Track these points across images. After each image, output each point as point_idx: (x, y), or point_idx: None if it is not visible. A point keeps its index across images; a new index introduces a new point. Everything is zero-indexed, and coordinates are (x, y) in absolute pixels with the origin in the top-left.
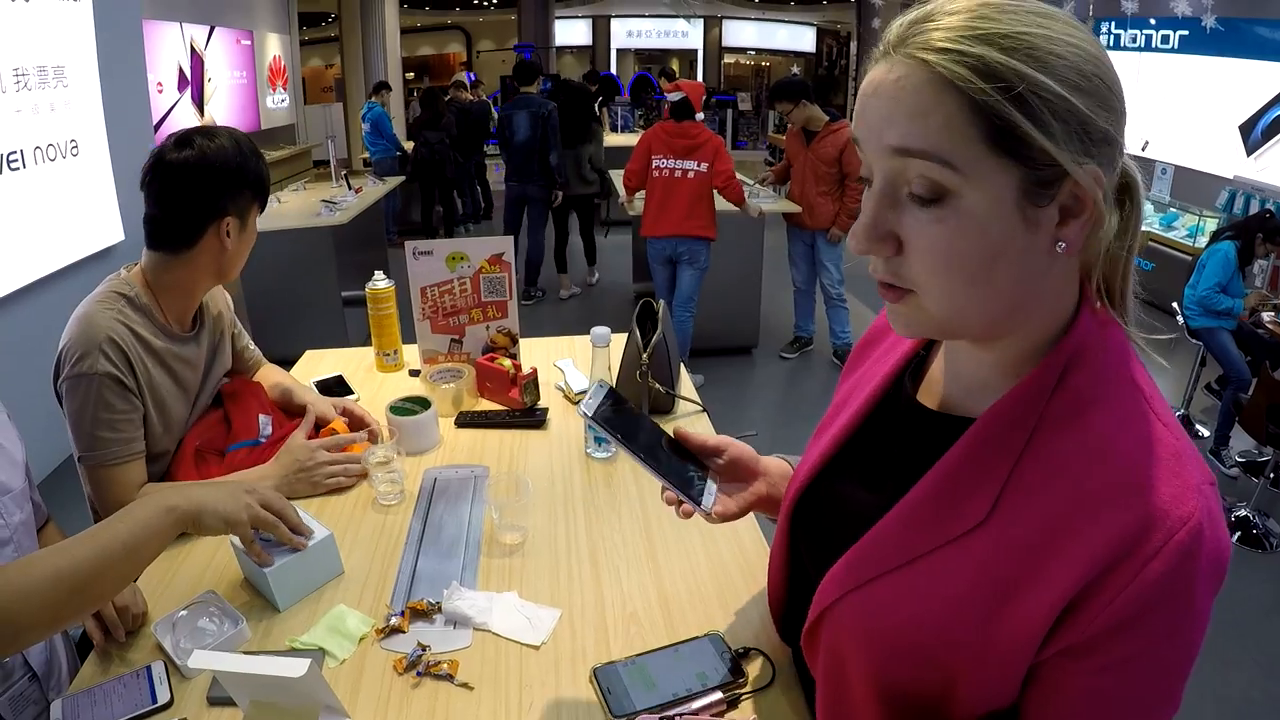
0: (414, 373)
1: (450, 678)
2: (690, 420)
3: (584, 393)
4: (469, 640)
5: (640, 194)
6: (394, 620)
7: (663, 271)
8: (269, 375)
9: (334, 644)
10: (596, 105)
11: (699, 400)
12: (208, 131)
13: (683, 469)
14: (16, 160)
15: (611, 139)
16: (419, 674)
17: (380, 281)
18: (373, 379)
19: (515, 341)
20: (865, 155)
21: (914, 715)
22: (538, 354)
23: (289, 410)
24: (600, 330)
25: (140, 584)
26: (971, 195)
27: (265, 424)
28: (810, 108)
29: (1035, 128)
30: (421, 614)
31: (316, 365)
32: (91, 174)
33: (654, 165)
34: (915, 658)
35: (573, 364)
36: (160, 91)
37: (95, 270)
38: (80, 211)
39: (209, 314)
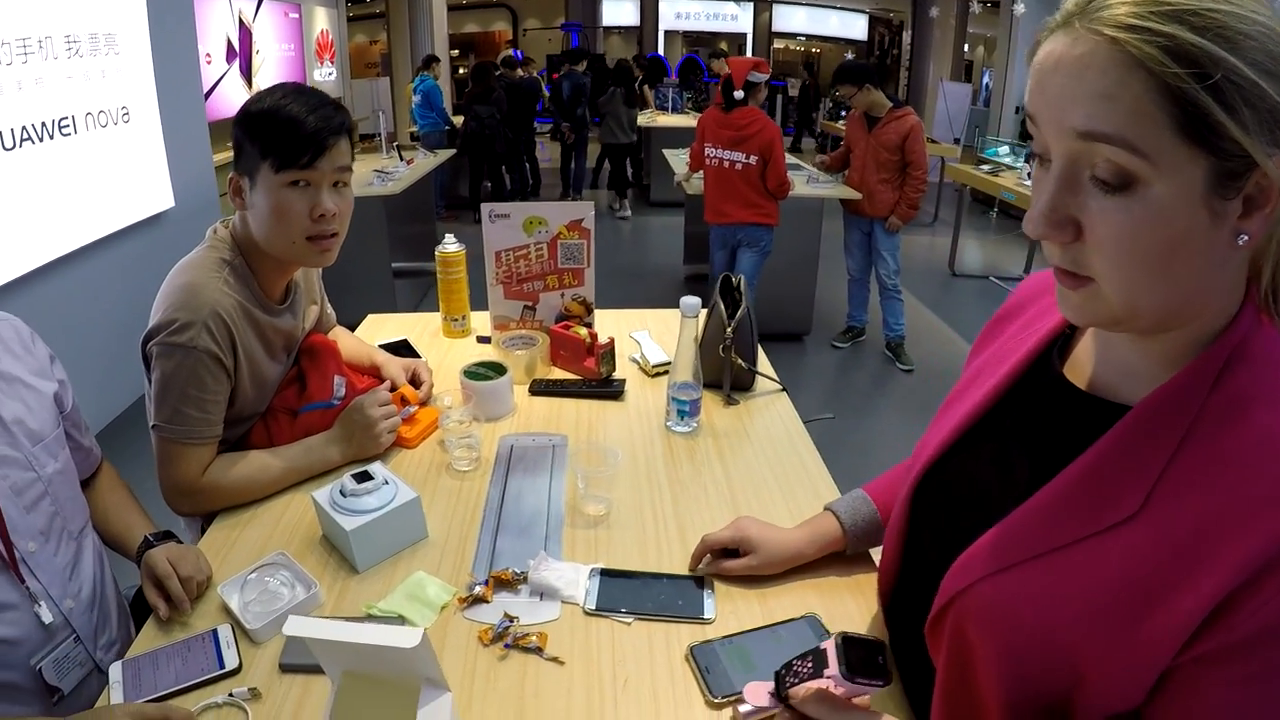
0: (482, 339)
1: (539, 651)
2: (769, 399)
3: (662, 365)
4: (557, 612)
5: (698, 176)
6: (478, 589)
7: (721, 256)
8: (340, 337)
9: (414, 612)
10: (638, 85)
11: (777, 378)
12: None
13: (678, 596)
14: (68, 126)
15: (661, 119)
16: (506, 646)
17: (450, 245)
18: (438, 344)
19: (590, 310)
20: (1041, 133)
21: (1038, 711)
22: (607, 324)
23: (357, 371)
24: (690, 300)
25: (204, 544)
26: (1160, 185)
27: (339, 386)
28: (874, 92)
29: (1229, 117)
30: (506, 584)
31: (379, 329)
32: (143, 141)
33: (706, 153)
34: (1049, 651)
35: (649, 336)
36: (209, 63)
37: (146, 236)
38: (131, 178)
39: (299, 284)
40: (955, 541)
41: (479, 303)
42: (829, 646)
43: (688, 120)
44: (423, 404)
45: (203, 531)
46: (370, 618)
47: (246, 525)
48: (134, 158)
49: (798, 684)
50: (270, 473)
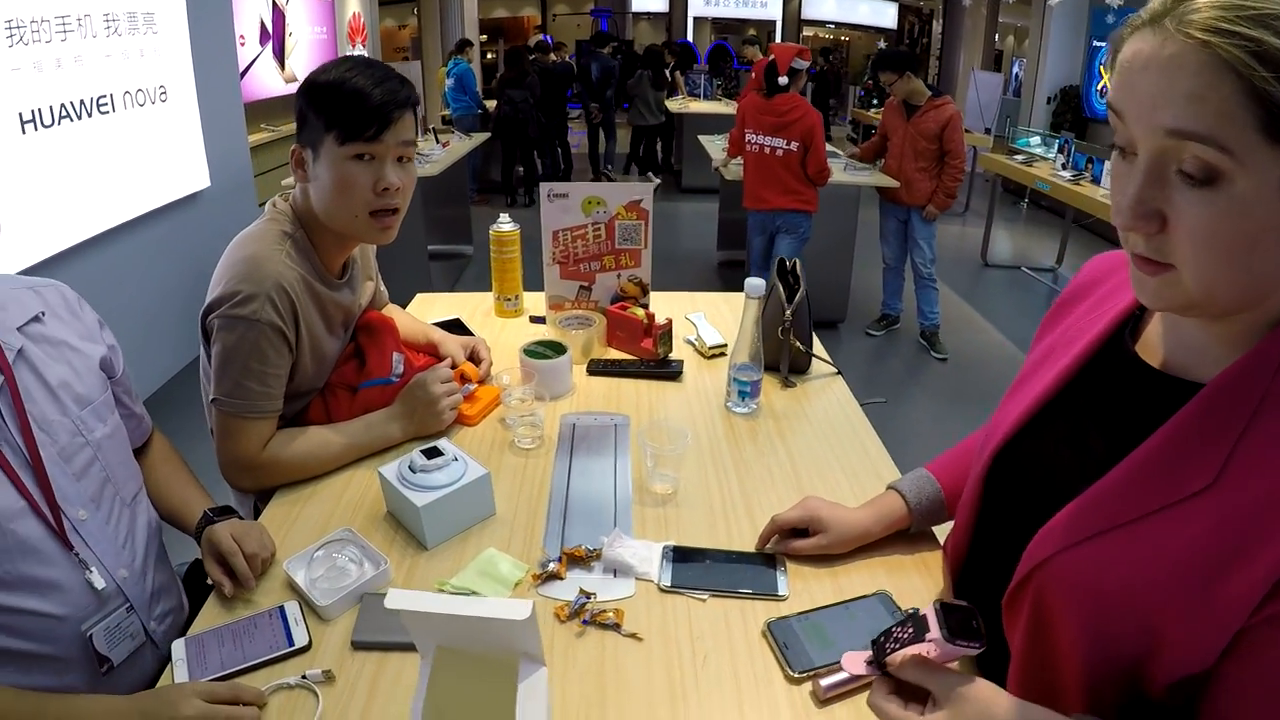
0: (536, 319)
1: (617, 627)
2: (824, 382)
3: (718, 347)
4: (633, 589)
5: (736, 162)
6: (551, 566)
7: (760, 241)
8: (395, 314)
9: (487, 589)
10: (669, 71)
11: (832, 361)
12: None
13: (751, 574)
14: (106, 104)
15: (694, 105)
16: (584, 622)
17: (505, 224)
18: (490, 324)
19: (646, 291)
20: (1127, 128)
21: (1115, 676)
22: (660, 306)
23: (413, 348)
24: (755, 281)
25: (265, 520)
26: (1243, 181)
27: (398, 362)
28: (914, 80)
29: None
30: (579, 561)
31: (430, 308)
32: (179, 120)
33: (746, 139)
34: (1130, 618)
35: (705, 318)
36: (243, 44)
37: (182, 215)
38: (168, 157)
39: (356, 259)
40: (1032, 517)
41: (526, 283)
42: (929, 613)
43: (720, 107)
44: (482, 382)
45: (255, 510)
46: (442, 593)
47: (308, 501)
48: (171, 137)
49: (898, 649)
50: (331, 449)
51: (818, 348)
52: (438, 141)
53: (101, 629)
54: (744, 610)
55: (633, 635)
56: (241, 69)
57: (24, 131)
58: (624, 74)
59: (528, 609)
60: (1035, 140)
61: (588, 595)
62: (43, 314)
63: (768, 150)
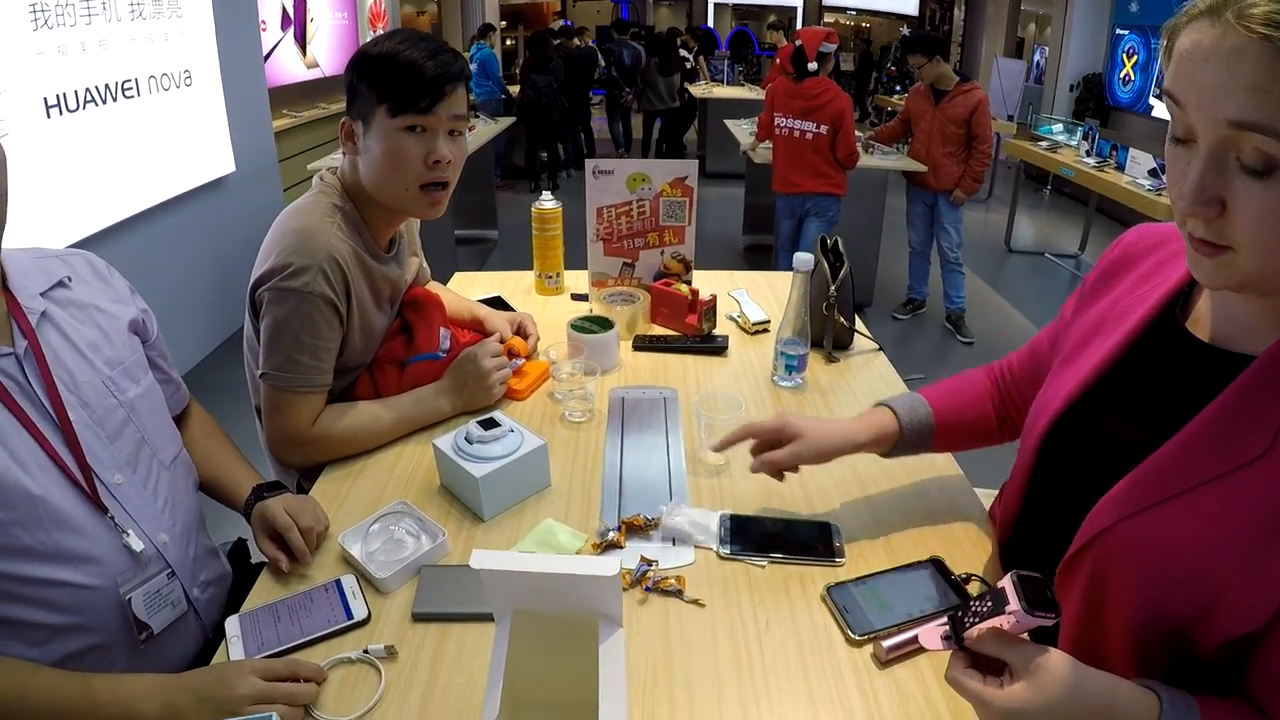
0: (578, 296)
1: (680, 593)
2: (866, 358)
3: (761, 324)
4: (692, 557)
5: (765, 146)
6: (611, 535)
7: (788, 225)
8: (439, 291)
9: None
10: (693, 55)
11: (873, 337)
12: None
13: (808, 540)
14: (131, 88)
15: (717, 90)
16: (647, 589)
17: (547, 202)
18: (531, 301)
19: (689, 268)
20: (1186, 117)
21: (1166, 638)
22: (702, 283)
23: (458, 324)
24: (804, 256)
25: (316, 494)
26: None
27: (445, 337)
28: (943, 65)
29: None
30: (638, 530)
31: (469, 286)
32: (204, 105)
33: (776, 122)
34: (1187, 583)
35: (747, 294)
36: (264, 30)
37: (207, 200)
38: (193, 141)
39: (402, 234)
40: (1086, 489)
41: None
42: (1006, 585)
43: (742, 92)
44: (529, 357)
45: (300, 488)
46: None
47: (359, 476)
48: (196, 121)
49: (976, 623)
50: (381, 423)
51: (858, 325)
52: None
53: (141, 594)
54: (802, 576)
55: (695, 601)
56: (264, 54)
57: (49, 116)
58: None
59: (615, 565)
60: (1058, 127)
61: (649, 563)
62: (69, 279)
63: (797, 134)
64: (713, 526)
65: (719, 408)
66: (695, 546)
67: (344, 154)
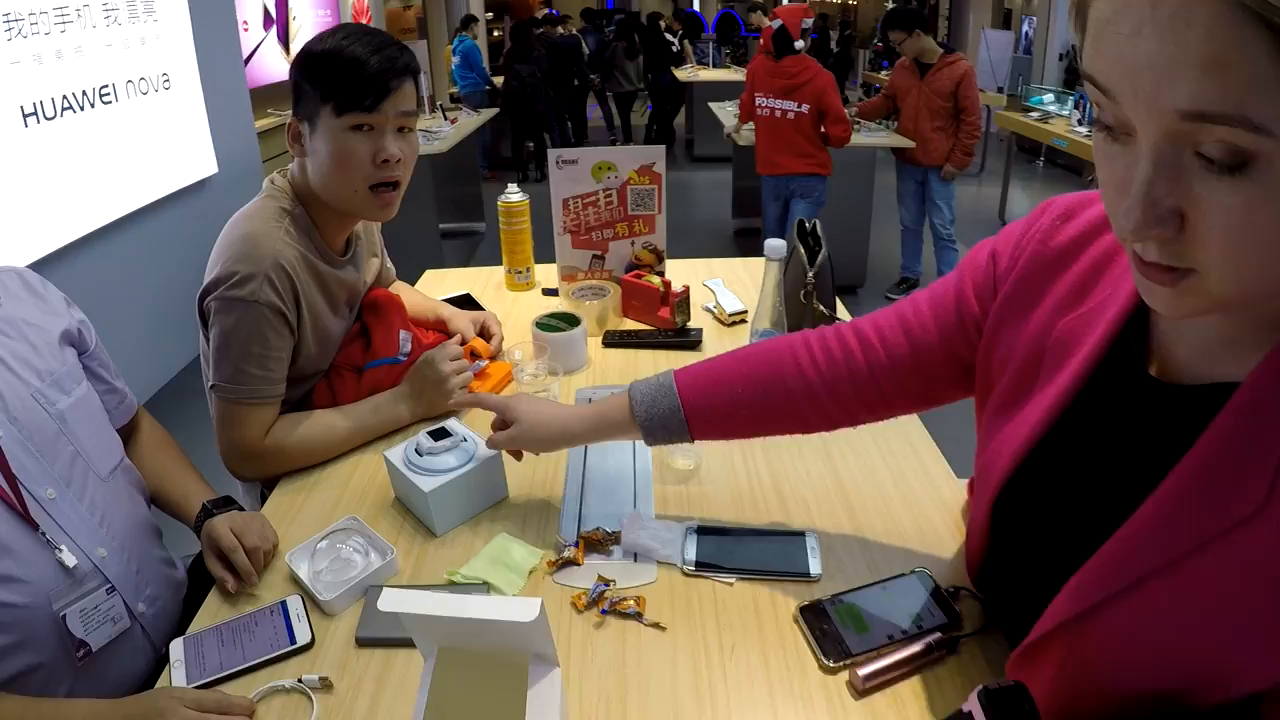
0: (548, 291)
1: (639, 616)
2: None
3: (738, 314)
4: (654, 575)
5: (749, 127)
6: (567, 552)
7: (774, 207)
8: (402, 291)
9: (500, 578)
10: (678, 39)
11: None
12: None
13: (781, 553)
14: (109, 93)
15: (703, 74)
16: (603, 612)
17: (514, 194)
18: (502, 298)
19: (661, 259)
20: (1117, 106)
21: (1162, 702)
22: (677, 273)
23: (421, 325)
24: (775, 243)
25: (268, 510)
26: None
27: (405, 340)
28: (924, 39)
29: None
30: (597, 545)
31: (439, 284)
32: (184, 107)
33: (756, 103)
34: (1190, 658)
35: (722, 284)
36: (246, 30)
37: (190, 202)
38: (173, 144)
39: (360, 236)
40: (1054, 556)
41: (537, 255)
42: (973, 707)
43: (729, 74)
44: (493, 358)
45: (263, 497)
46: (453, 585)
47: (313, 489)
48: (176, 124)
49: None
50: (337, 433)
51: (841, 312)
52: (446, 118)
53: (76, 610)
54: (773, 593)
55: (655, 625)
56: (246, 55)
57: (26, 125)
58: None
59: (535, 609)
60: (1049, 98)
61: (607, 582)
62: None
63: (778, 113)
64: (678, 540)
65: None
66: (658, 562)
67: (293, 156)
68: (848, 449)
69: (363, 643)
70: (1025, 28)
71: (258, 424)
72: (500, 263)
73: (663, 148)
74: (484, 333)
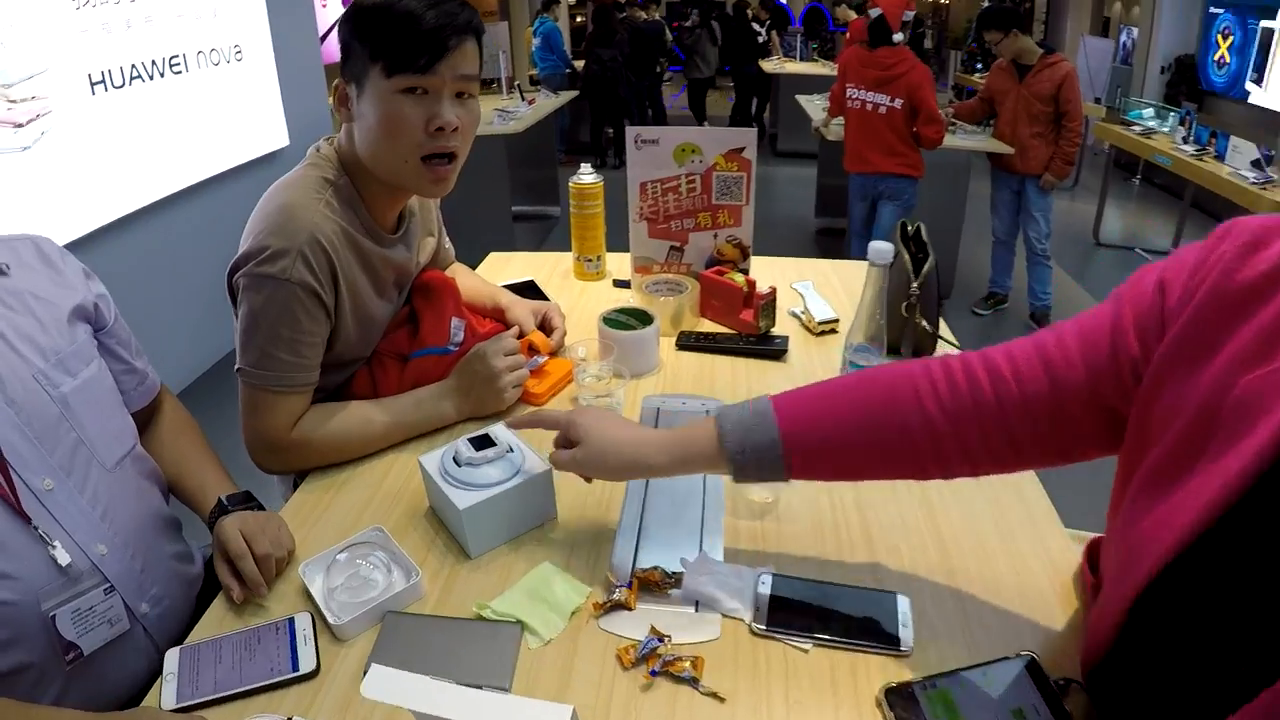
0: (620, 283)
1: (695, 682)
2: None
3: (828, 323)
4: (717, 631)
5: (838, 122)
6: (618, 593)
7: (861, 207)
8: (459, 274)
9: (538, 617)
10: (765, 29)
11: (959, 345)
12: None
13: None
14: (179, 63)
15: (790, 66)
16: (653, 673)
17: (587, 175)
18: (569, 287)
19: (746, 255)
20: None
21: None
22: (762, 273)
23: (477, 313)
24: (882, 246)
25: (287, 511)
26: None
27: (457, 329)
28: (1022, 38)
29: None
30: (653, 587)
31: (502, 269)
32: (256, 79)
33: (848, 94)
34: None
35: (813, 287)
36: (324, 7)
37: (260, 174)
38: (245, 116)
39: (414, 212)
40: (1204, 671)
41: (610, 244)
42: None
43: (816, 67)
44: (554, 354)
45: (295, 487)
46: (481, 619)
47: (340, 489)
48: (248, 96)
49: None
50: (372, 428)
51: (944, 330)
52: (524, 99)
53: (68, 611)
54: (855, 665)
55: (713, 695)
56: (322, 32)
57: (93, 92)
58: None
59: (566, 715)
60: (1149, 112)
61: (661, 637)
62: (6, 266)
63: (869, 106)
64: (748, 590)
65: None
66: (723, 615)
67: (339, 121)
68: (948, 492)
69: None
70: (1124, 37)
71: (284, 414)
72: (570, 249)
73: (754, 131)
74: (545, 325)
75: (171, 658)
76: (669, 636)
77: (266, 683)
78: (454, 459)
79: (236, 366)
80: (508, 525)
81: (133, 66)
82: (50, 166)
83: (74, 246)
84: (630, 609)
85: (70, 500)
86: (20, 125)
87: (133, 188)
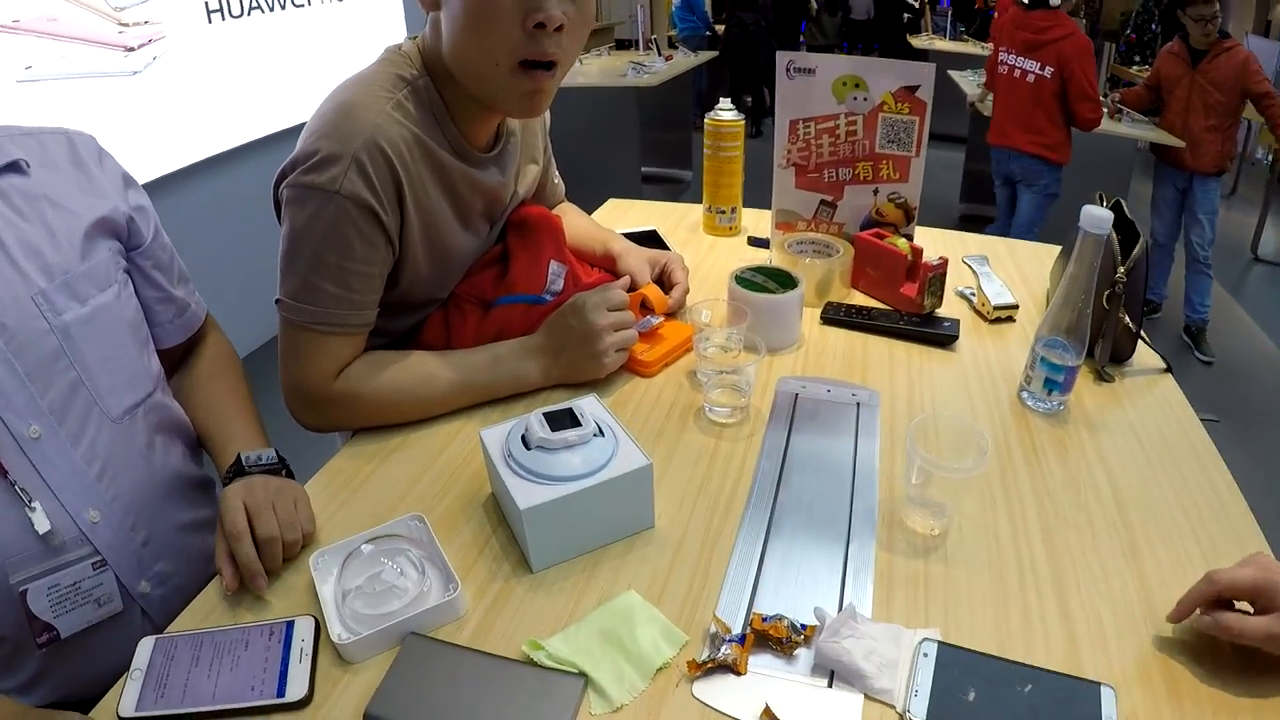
0: (756, 241)
1: None
2: (1149, 380)
3: (1006, 308)
4: (858, 715)
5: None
6: (726, 650)
7: (1003, 191)
8: (567, 214)
9: (607, 673)
10: (920, 3)
11: (1162, 355)
12: None
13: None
14: None
15: (939, 43)
16: None
17: (726, 111)
18: (697, 242)
19: (912, 218)
20: None
21: None
22: (925, 241)
23: (584, 259)
24: (1097, 212)
25: (316, 483)
26: None
27: (556, 275)
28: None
29: None
30: (774, 644)
31: (622, 215)
32: (381, 15)
33: (999, 59)
34: None
35: (989, 265)
36: None
37: None
38: (368, 53)
39: (511, 130)
40: None
41: (750, 199)
42: None
43: (966, 46)
44: (671, 315)
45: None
46: (532, 664)
47: (388, 457)
48: (371, 33)
49: None
50: (434, 386)
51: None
52: (660, 55)
53: (42, 586)
54: None
55: None
56: None
57: (210, 21)
58: None
59: None
60: None
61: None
62: (26, 163)
63: (1017, 73)
64: (903, 662)
65: (948, 444)
66: (866, 696)
67: (424, 11)
68: (1159, 541)
69: None
70: None
71: (327, 359)
72: (701, 201)
73: (933, 65)
74: (665, 280)
75: (144, 649)
76: None
77: (242, 705)
78: (523, 439)
79: (275, 297)
80: (585, 534)
81: None
82: (159, 95)
83: (171, 179)
84: (740, 673)
85: (60, 453)
86: (131, 49)
87: (242, 122)
